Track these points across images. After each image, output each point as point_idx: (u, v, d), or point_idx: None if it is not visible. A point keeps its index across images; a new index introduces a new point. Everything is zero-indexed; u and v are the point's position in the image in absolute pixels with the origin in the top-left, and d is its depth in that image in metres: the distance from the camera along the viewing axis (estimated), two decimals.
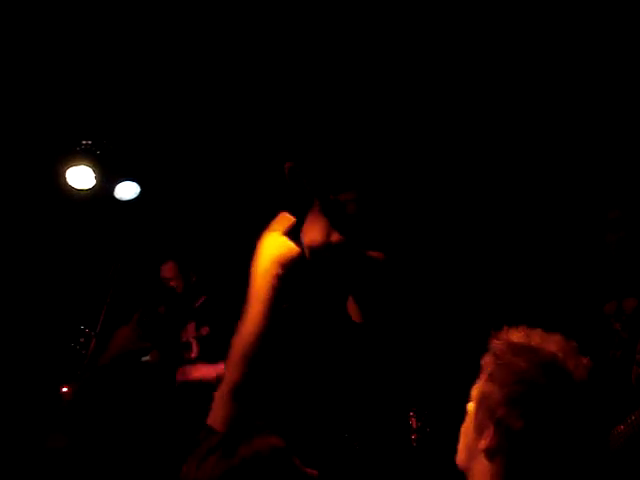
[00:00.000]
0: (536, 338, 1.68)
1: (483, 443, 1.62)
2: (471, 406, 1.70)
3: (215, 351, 4.95)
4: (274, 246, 1.85)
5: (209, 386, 4.71)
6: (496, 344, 1.68)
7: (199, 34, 5.05)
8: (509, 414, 1.59)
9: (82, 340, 4.65)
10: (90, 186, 5.48)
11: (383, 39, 4.95)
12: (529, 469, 1.58)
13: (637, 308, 3.01)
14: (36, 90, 5.35)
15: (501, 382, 1.63)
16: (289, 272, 1.82)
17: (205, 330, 5.10)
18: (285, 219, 1.88)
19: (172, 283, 5.21)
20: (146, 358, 5.02)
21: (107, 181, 5.56)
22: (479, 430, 1.64)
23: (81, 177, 5.44)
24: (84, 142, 5.48)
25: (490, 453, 1.61)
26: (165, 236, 6.35)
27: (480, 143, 5.35)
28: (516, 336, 1.69)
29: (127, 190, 5.64)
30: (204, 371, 4.86)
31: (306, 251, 1.84)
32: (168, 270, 5.28)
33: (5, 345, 5.50)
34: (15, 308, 5.72)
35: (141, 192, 5.62)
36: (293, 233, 1.94)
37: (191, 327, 5.12)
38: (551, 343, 1.67)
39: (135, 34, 5.06)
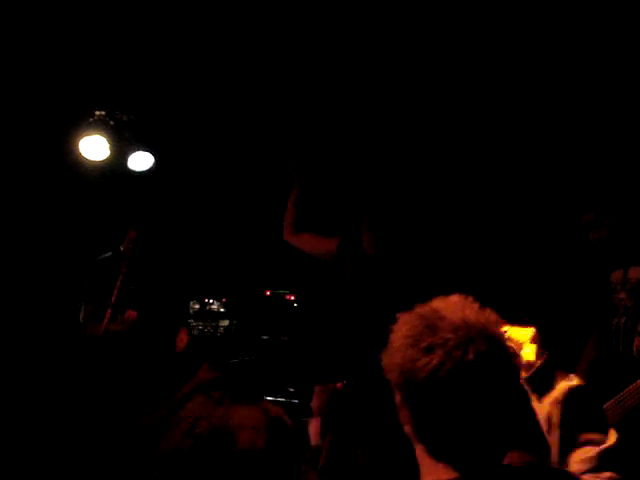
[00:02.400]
0: (432, 302, 1.59)
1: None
2: None
3: None
4: None
5: None
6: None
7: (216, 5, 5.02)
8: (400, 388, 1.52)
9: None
10: (104, 157, 5.45)
11: (395, 46, 4.98)
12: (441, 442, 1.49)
13: None
14: (50, 61, 5.31)
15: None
16: None
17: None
18: None
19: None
20: None
21: (121, 152, 5.53)
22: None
23: (95, 148, 5.41)
24: (97, 113, 5.45)
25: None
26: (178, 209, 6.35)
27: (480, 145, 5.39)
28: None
29: (141, 161, 5.62)
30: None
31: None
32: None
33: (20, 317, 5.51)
34: (27, 281, 5.73)
35: (155, 163, 5.59)
36: None
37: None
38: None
39: (152, 6, 5.02)
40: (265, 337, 5.93)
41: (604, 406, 2.90)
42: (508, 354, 1.51)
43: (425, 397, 1.47)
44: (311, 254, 4.10)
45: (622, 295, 3.14)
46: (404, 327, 1.54)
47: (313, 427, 3.40)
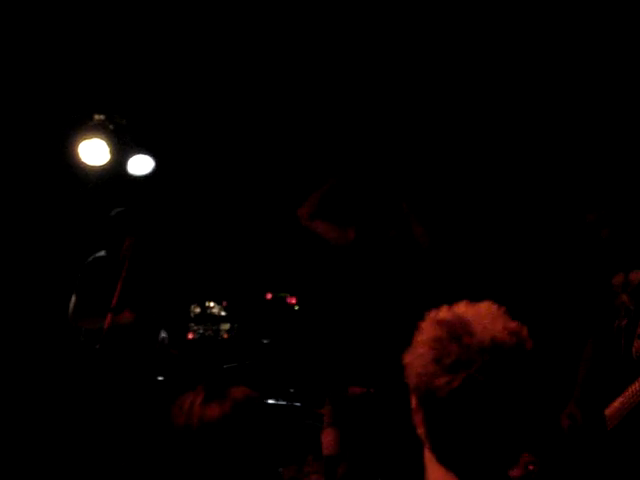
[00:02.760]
0: (461, 308, 1.53)
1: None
2: None
3: None
4: None
5: None
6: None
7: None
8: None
9: None
10: (104, 161, 5.44)
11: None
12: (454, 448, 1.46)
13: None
14: (50, 64, 5.31)
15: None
16: None
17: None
18: None
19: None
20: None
21: (120, 156, 5.52)
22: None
23: (94, 152, 5.40)
24: (97, 117, 5.44)
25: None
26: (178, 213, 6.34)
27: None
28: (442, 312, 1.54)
29: (141, 165, 5.60)
30: None
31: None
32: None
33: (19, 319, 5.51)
34: (26, 285, 5.73)
35: (155, 167, 5.58)
36: None
37: None
38: (473, 310, 1.51)
39: (151, 9, 5.01)
40: (266, 340, 5.92)
41: (605, 412, 2.91)
42: (534, 375, 1.47)
43: (441, 412, 1.45)
44: (326, 238, 4.38)
45: (624, 298, 3.14)
46: (430, 334, 1.49)
47: (327, 437, 3.35)
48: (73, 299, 4.78)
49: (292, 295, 6.42)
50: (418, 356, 1.48)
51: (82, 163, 5.39)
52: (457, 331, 1.46)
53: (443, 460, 1.47)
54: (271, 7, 4.92)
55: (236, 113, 5.92)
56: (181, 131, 6.00)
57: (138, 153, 5.55)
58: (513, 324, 1.49)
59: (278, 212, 6.40)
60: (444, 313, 1.52)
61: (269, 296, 6.45)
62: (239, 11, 5.02)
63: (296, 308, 6.38)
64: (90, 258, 4.90)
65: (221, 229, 6.50)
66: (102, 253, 4.92)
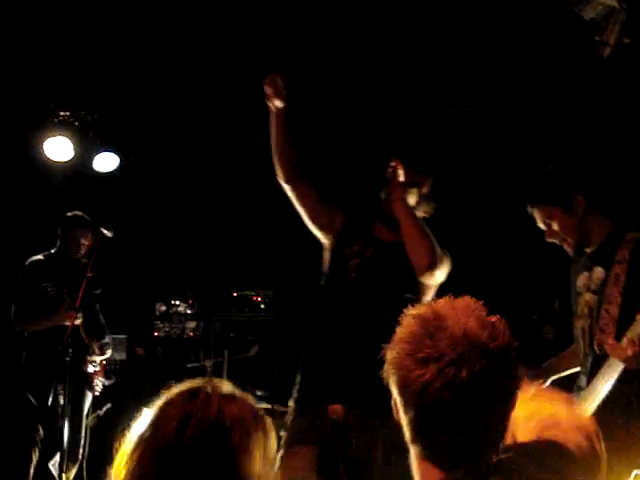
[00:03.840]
0: (439, 303, 1.55)
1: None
2: None
3: None
4: None
5: None
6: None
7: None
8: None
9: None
10: (68, 158, 5.39)
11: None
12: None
13: (605, 278, 3.10)
14: (13, 60, 5.23)
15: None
16: None
17: None
18: None
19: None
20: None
21: (86, 153, 5.47)
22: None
23: (59, 149, 5.35)
24: (62, 113, 5.38)
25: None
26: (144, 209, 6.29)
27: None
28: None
29: (106, 162, 5.56)
30: None
31: None
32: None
33: None
34: None
35: (120, 164, 5.55)
36: None
37: None
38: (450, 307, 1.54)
39: (113, 4, 4.96)
40: (231, 341, 5.90)
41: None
42: (506, 371, 1.49)
43: (416, 406, 1.48)
44: (303, 213, 3.50)
45: (587, 297, 3.19)
46: (407, 329, 1.52)
47: (301, 457, 3.14)
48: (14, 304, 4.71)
49: (257, 294, 6.42)
50: (396, 351, 1.51)
51: (47, 159, 5.34)
52: (431, 325, 1.49)
53: (425, 453, 1.49)
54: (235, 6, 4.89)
55: (203, 111, 5.88)
56: (147, 128, 5.95)
57: (103, 150, 5.52)
58: (488, 318, 1.51)
59: (247, 209, 6.40)
60: (422, 308, 1.55)
61: (235, 294, 6.44)
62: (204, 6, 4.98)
63: (262, 307, 6.37)
64: (27, 261, 4.80)
65: (187, 227, 6.46)
66: (40, 257, 4.82)
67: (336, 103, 5.61)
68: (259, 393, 5.58)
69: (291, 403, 3.29)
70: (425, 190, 3.41)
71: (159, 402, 1.63)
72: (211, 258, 6.53)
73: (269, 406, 5.19)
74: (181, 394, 1.63)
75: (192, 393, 1.62)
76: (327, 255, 3.51)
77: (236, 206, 6.43)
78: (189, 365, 5.68)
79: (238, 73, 5.40)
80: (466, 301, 1.55)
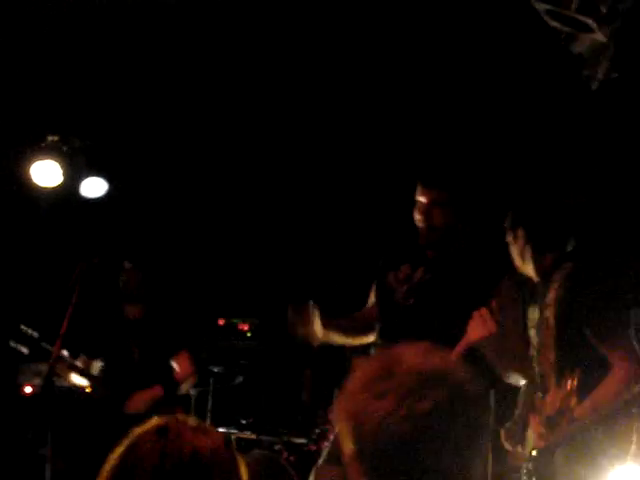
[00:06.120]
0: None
1: None
2: None
3: None
4: None
5: None
6: None
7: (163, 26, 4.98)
8: None
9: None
10: (56, 183, 5.36)
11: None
12: None
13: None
14: (1, 84, 5.22)
15: None
16: None
17: None
18: None
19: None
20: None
21: (74, 178, 5.44)
22: None
23: (46, 173, 5.31)
24: (50, 138, 5.35)
25: None
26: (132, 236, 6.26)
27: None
28: None
29: (94, 187, 5.53)
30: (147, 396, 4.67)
31: None
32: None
33: None
34: None
35: (108, 190, 5.51)
36: None
37: None
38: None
39: (101, 29, 4.96)
40: (216, 369, 5.82)
41: None
42: (469, 402, 1.42)
43: (376, 446, 1.39)
44: (360, 337, 3.36)
45: (532, 333, 3.21)
46: (360, 371, 1.46)
47: (328, 477, 3.15)
48: None
49: (245, 321, 6.35)
50: (348, 395, 1.45)
51: (34, 184, 5.31)
52: (386, 361, 1.45)
53: None
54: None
55: (190, 136, 5.89)
56: (135, 154, 5.93)
57: (91, 175, 5.49)
58: (445, 353, 1.50)
59: (233, 236, 6.38)
60: (376, 353, 1.53)
61: (221, 322, 6.38)
62: (191, 26, 4.99)
63: (248, 335, 6.31)
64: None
65: (174, 253, 6.43)
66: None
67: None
68: (244, 422, 5.53)
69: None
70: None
71: (127, 442, 1.56)
72: (197, 286, 6.48)
73: (254, 436, 5.15)
74: (148, 433, 1.56)
75: (160, 431, 1.56)
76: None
77: (222, 233, 6.41)
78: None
79: (226, 100, 5.41)
80: (424, 344, 1.50)
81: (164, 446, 1.52)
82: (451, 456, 1.40)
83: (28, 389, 5.59)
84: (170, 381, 4.68)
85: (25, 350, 4.64)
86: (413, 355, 1.45)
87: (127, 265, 4.87)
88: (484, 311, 3.00)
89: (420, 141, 5.37)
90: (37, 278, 4.94)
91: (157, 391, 4.61)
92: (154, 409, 4.34)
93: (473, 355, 2.89)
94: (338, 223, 6.04)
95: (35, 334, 4.59)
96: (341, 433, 1.46)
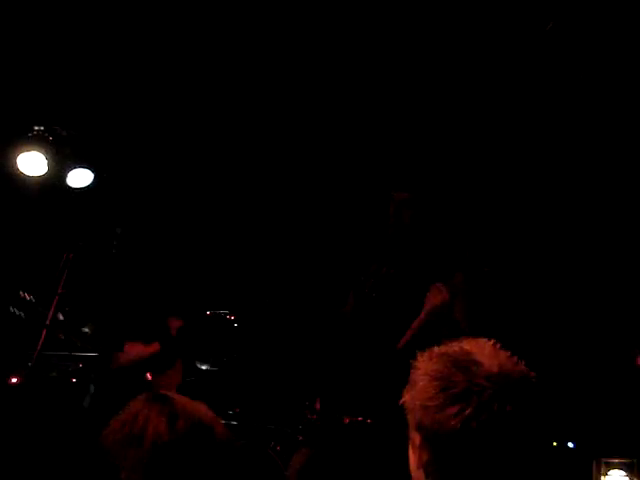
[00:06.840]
0: (458, 343, 1.49)
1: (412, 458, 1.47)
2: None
3: None
4: None
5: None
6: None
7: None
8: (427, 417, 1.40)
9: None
10: (42, 173, 5.34)
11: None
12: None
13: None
14: None
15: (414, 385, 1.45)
16: None
17: None
18: None
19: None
20: None
21: (59, 168, 5.43)
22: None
23: (32, 163, 5.30)
24: (36, 128, 5.34)
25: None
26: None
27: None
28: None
29: (80, 178, 5.52)
30: (138, 350, 4.73)
31: None
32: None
33: None
34: None
35: (94, 180, 5.50)
36: None
37: None
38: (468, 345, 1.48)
39: (87, 19, 4.95)
40: (202, 359, 5.82)
41: None
42: (541, 407, 1.44)
43: (453, 445, 1.38)
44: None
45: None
46: (430, 367, 1.44)
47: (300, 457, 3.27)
48: None
49: (232, 313, 6.35)
50: (420, 390, 1.43)
51: (20, 174, 5.30)
52: (461, 361, 1.43)
53: None
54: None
55: (177, 126, 5.88)
56: (122, 143, 5.93)
57: (78, 166, 5.48)
58: (512, 355, 1.48)
59: (218, 225, 6.38)
60: (441, 349, 1.49)
61: (208, 313, 6.37)
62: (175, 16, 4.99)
63: (235, 325, 6.31)
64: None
65: (161, 243, 6.43)
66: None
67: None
68: (230, 412, 5.53)
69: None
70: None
71: (134, 403, 1.60)
72: (183, 280, 6.49)
73: (240, 425, 5.15)
74: (149, 399, 1.61)
75: (161, 398, 1.61)
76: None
77: (207, 223, 6.42)
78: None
79: (215, 93, 5.41)
80: (486, 341, 1.49)
81: (171, 409, 1.58)
82: (527, 455, 1.42)
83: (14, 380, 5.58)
84: (167, 338, 4.71)
85: (22, 315, 4.63)
86: (486, 357, 1.44)
87: (118, 231, 4.87)
88: (439, 283, 3.29)
89: (391, 146, 5.41)
90: (23, 268, 4.93)
91: (155, 347, 4.65)
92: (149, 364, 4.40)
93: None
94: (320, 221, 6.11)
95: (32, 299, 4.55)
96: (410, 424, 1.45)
